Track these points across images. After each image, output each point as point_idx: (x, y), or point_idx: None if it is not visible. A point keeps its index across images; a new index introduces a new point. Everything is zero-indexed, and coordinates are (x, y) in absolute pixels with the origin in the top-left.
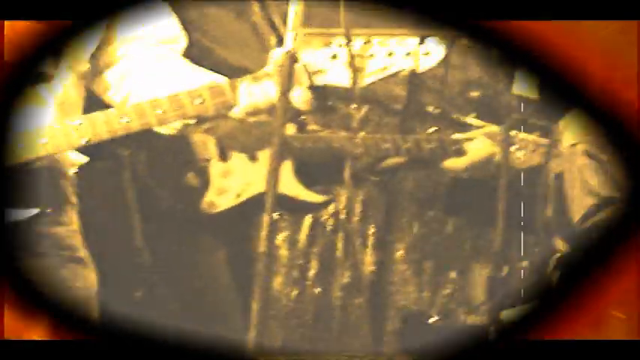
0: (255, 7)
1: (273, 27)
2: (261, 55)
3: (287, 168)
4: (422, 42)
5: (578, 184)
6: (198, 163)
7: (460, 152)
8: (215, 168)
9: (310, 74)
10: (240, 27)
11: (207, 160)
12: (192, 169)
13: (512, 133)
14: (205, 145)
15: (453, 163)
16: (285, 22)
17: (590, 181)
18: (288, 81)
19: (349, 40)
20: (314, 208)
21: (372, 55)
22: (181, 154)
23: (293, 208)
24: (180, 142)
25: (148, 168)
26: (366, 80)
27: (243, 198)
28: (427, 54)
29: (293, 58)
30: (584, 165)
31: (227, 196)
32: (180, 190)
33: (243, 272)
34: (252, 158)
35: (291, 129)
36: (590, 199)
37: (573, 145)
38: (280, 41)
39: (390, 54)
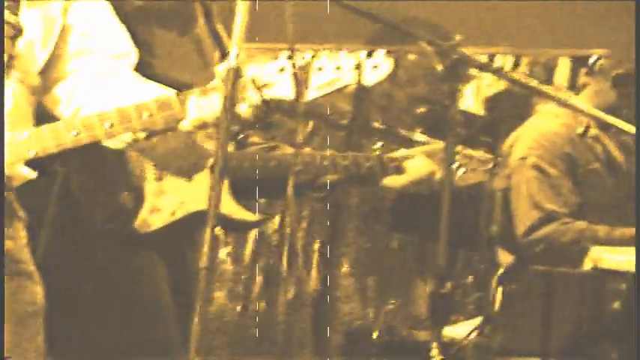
0: (200, 21)
1: (217, 41)
2: (206, 70)
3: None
4: (370, 55)
5: (525, 197)
6: (132, 182)
7: (399, 170)
8: (150, 186)
9: (258, 87)
10: (183, 41)
11: (142, 179)
12: (126, 187)
13: (458, 149)
14: (141, 164)
15: (392, 181)
16: (229, 36)
17: (536, 195)
18: (231, 95)
19: (292, 53)
20: (249, 226)
21: (320, 69)
22: (116, 173)
23: (227, 226)
24: (116, 161)
25: (80, 185)
26: (313, 94)
27: (178, 216)
28: (375, 67)
29: (237, 73)
30: (531, 178)
31: (161, 214)
32: (114, 208)
33: (183, 291)
34: (188, 178)
35: (229, 146)
36: (535, 212)
37: (523, 158)
38: (224, 56)
39: (337, 67)
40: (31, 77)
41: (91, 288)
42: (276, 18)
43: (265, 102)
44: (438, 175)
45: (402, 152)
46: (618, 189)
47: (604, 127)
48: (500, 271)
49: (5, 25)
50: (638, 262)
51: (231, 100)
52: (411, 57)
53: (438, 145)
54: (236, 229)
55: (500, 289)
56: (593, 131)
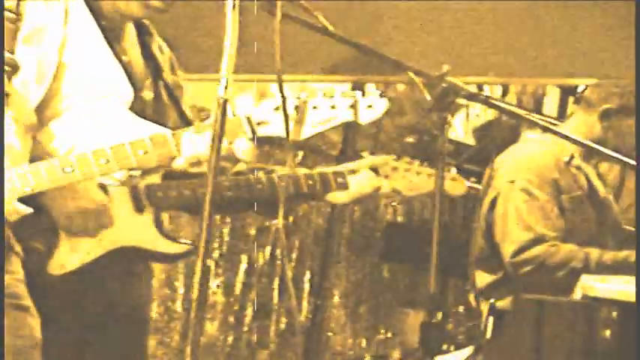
0: (128, 41)
1: (151, 64)
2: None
3: (146, 219)
4: (364, 94)
5: (514, 219)
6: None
7: (343, 186)
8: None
9: (254, 125)
10: None
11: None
12: (41, 234)
13: (386, 160)
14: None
15: (335, 198)
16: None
17: (526, 217)
18: (220, 127)
19: (281, 88)
20: (173, 258)
21: (315, 107)
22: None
23: (152, 259)
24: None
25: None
26: (308, 132)
27: (93, 256)
28: (370, 107)
29: (226, 104)
30: (521, 201)
31: (77, 255)
32: (30, 252)
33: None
34: (92, 237)
35: (155, 178)
36: (525, 234)
37: (511, 181)
38: (157, 79)
39: (333, 107)
40: (26, 115)
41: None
42: (263, 48)
43: (260, 140)
44: (384, 190)
45: (345, 166)
46: (599, 219)
47: (586, 157)
48: (481, 286)
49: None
50: (638, 286)
51: (220, 132)
52: (400, 87)
53: (383, 158)
54: (161, 261)
55: (491, 319)
56: (577, 161)
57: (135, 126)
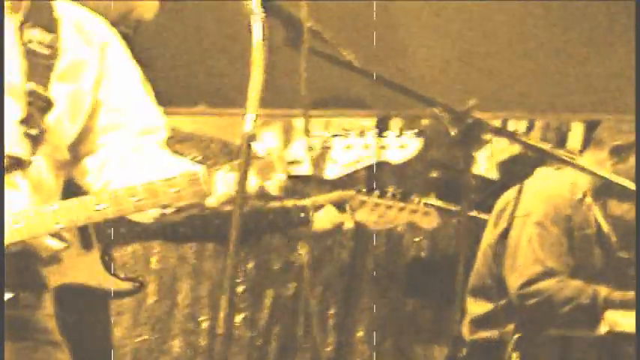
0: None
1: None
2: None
3: (93, 257)
4: (400, 135)
5: (526, 251)
6: None
7: (306, 221)
8: None
9: (287, 164)
10: None
11: None
12: None
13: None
14: None
15: (299, 233)
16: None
17: (538, 251)
18: (246, 161)
19: (306, 124)
20: (121, 295)
21: (348, 147)
22: None
23: (98, 295)
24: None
25: None
26: (339, 171)
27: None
28: (403, 147)
29: (251, 139)
30: (534, 234)
31: None
32: None
33: None
34: None
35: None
36: (536, 267)
37: (526, 215)
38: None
39: (365, 146)
40: (60, 151)
41: None
42: (289, 83)
43: (291, 177)
44: (347, 226)
45: (308, 201)
46: (605, 259)
47: (596, 196)
48: (516, 336)
49: (34, 98)
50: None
51: (245, 166)
52: (425, 121)
53: (345, 193)
54: (108, 297)
55: (515, 354)
56: (588, 200)
57: (169, 163)
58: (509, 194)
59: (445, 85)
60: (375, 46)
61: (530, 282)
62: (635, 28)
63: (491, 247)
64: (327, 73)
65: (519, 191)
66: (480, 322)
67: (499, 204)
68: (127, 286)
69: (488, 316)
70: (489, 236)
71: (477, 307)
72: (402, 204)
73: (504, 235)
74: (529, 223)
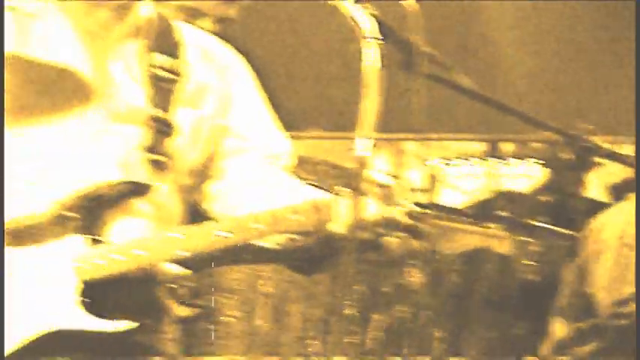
0: None
1: None
2: None
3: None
4: (522, 161)
5: (618, 272)
6: None
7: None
8: None
9: (410, 191)
10: None
11: None
12: None
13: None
14: None
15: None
16: None
17: (629, 273)
18: (361, 191)
19: (422, 152)
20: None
21: (469, 174)
22: None
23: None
24: None
25: None
26: (462, 199)
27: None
28: (525, 175)
29: (363, 164)
30: (627, 256)
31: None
32: None
33: None
34: None
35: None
36: (627, 288)
37: (620, 237)
38: None
39: (489, 175)
40: (183, 176)
41: None
42: (396, 106)
43: (419, 206)
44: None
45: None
46: None
47: None
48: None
49: (158, 124)
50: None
51: (360, 192)
52: (535, 144)
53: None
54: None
55: None
56: None
57: (294, 189)
58: (603, 216)
59: (554, 107)
60: (481, 69)
61: (621, 303)
62: (635, 28)
63: (579, 267)
64: (435, 95)
65: (614, 213)
66: (564, 345)
67: (593, 226)
68: (112, 327)
69: (571, 338)
70: (582, 255)
71: (561, 328)
72: (475, 227)
73: (597, 255)
74: (623, 245)
